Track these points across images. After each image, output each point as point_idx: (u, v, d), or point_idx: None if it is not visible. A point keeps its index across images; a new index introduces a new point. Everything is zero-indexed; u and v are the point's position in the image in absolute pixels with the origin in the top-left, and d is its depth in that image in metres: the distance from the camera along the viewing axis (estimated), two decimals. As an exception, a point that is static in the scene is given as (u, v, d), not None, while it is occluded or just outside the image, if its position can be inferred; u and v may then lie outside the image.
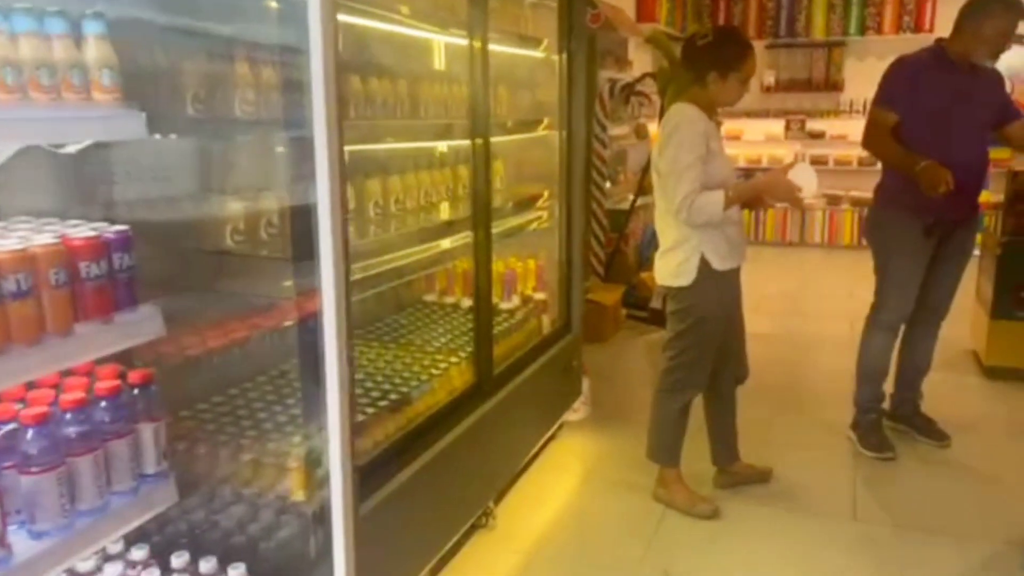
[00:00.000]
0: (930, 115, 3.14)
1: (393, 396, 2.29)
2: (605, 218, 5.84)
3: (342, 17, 1.99)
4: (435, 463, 2.27)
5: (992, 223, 4.61)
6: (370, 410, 2.20)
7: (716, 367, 2.91)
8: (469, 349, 2.75)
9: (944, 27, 3.34)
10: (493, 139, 3.17)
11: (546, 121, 3.36)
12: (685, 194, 2.54)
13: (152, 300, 1.54)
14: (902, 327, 3.36)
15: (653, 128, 5.99)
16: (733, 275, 2.80)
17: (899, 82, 3.23)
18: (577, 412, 3.73)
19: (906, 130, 3.21)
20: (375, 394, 2.31)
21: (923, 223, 3.15)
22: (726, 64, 2.60)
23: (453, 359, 2.63)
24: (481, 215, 2.62)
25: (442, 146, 2.95)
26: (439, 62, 2.79)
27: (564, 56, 3.31)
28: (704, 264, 2.67)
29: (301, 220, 1.62)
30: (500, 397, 2.73)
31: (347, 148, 2.26)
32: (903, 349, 3.47)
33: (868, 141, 3.32)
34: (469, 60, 2.50)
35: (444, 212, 2.82)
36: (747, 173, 6.79)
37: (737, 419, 3.11)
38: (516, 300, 3.33)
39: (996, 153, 3.70)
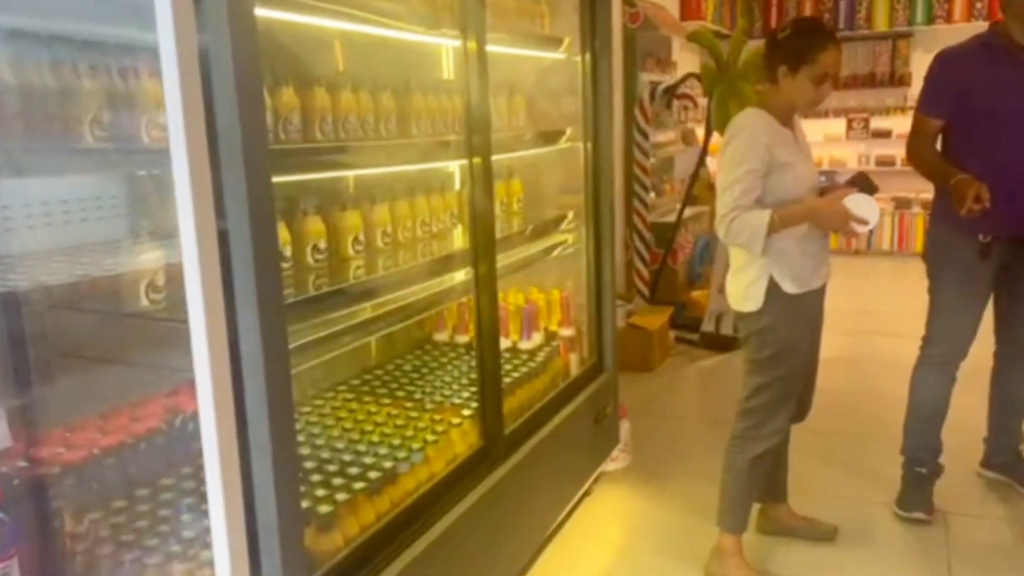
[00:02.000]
0: (979, 116, 2.63)
1: (374, 474, 1.89)
2: (649, 232, 5.38)
3: (279, 14, 1.62)
4: (429, 554, 1.86)
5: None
6: (341, 496, 1.80)
7: None
8: (477, 403, 2.34)
9: None
10: (508, 155, 2.79)
11: (569, 132, 2.93)
12: (726, 211, 2.24)
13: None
14: (956, 370, 2.79)
15: (700, 132, 5.51)
16: (812, 298, 2.41)
17: (939, 80, 2.72)
18: (616, 460, 3.28)
19: (955, 136, 2.72)
20: (353, 471, 1.92)
21: (978, 243, 2.63)
22: (797, 57, 2.22)
23: (454, 419, 2.22)
24: (482, 246, 2.20)
25: (451, 166, 2.56)
26: (436, 69, 2.39)
27: (587, 57, 2.88)
28: (773, 287, 2.31)
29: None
30: (514, 462, 2.31)
31: (310, 176, 1.92)
32: (994, 388, 2.93)
33: (908, 151, 2.80)
34: (463, 65, 2.09)
35: (446, 243, 2.42)
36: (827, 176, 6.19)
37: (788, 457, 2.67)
38: (538, 338, 2.91)
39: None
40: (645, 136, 5.20)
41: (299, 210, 1.93)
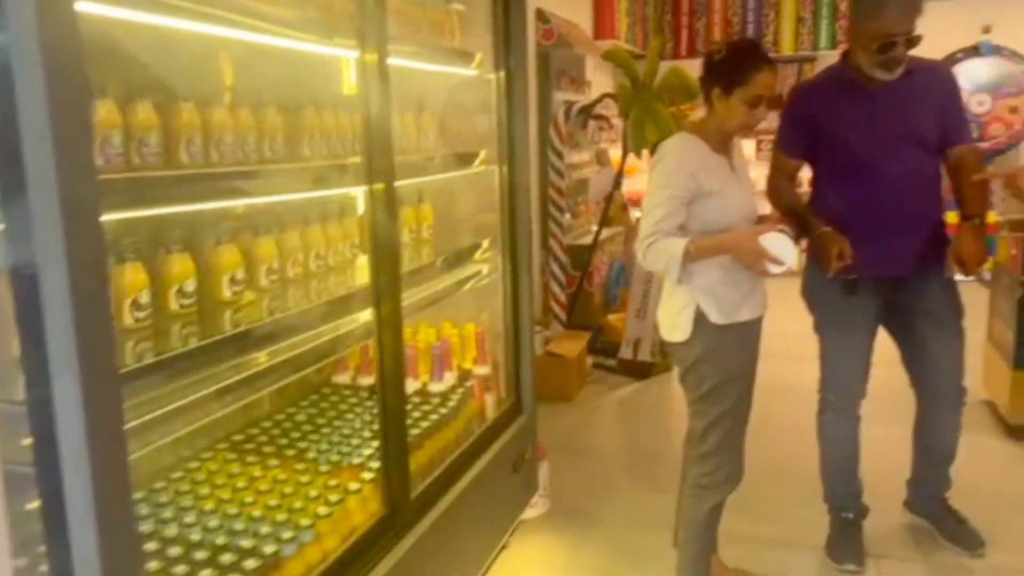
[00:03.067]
0: (834, 152, 2.54)
1: (251, 562, 1.59)
2: (565, 255, 5.20)
3: (124, 13, 1.32)
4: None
5: (1004, 254, 4.04)
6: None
7: None
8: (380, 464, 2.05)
9: (929, 34, 2.73)
10: (418, 179, 2.54)
11: (483, 154, 2.70)
12: (644, 235, 2.16)
13: None
14: (858, 410, 2.68)
15: (615, 154, 5.38)
16: (745, 330, 2.26)
17: (792, 116, 2.62)
18: (534, 507, 3.04)
19: (816, 173, 2.64)
20: (227, 558, 1.60)
21: (842, 281, 2.48)
22: (731, 79, 2.11)
23: (352, 484, 1.93)
24: (386, 284, 1.93)
25: (352, 192, 2.27)
26: (333, 84, 2.10)
27: (502, 75, 2.66)
28: (701, 316, 2.19)
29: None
30: (423, 528, 2.04)
31: (175, 209, 1.61)
32: (916, 436, 2.79)
33: (767, 191, 2.69)
34: (362, 79, 1.82)
35: (346, 279, 2.14)
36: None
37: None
38: (451, 379, 2.65)
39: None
40: (560, 156, 5.02)
41: (162, 247, 1.62)
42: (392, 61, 1.96)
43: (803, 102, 2.61)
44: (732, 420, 2.26)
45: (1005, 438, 3.68)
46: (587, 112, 5.24)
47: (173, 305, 1.63)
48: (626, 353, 4.81)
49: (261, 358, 1.74)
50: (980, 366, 4.06)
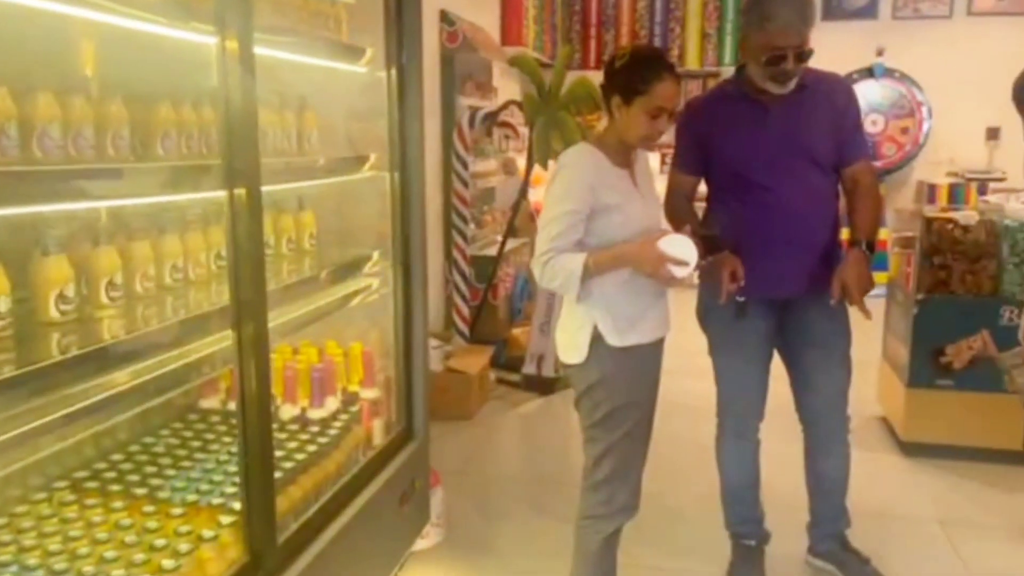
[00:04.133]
0: (723, 170, 2.46)
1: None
2: (469, 266, 5.02)
3: None
4: None
5: (897, 270, 4.10)
6: None
7: None
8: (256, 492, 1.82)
9: (826, 54, 2.69)
10: (297, 184, 2.33)
11: (373, 158, 2.50)
12: (540, 252, 2.03)
13: None
14: (755, 434, 2.60)
15: (522, 163, 5.26)
16: (645, 353, 2.13)
17: (684, 133, 2.54)
18: (426, 537, 2.85)
19: (709, 191, 2.56)
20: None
21: (732, 303, 2.36)
22: (631, 87, 1.99)
23: (207, 531, 1.69)
24: (248, 302, 1.70)
25: (218, 197, 2.03)
26: (194, 75, 1.86)
27: (393, 73, 2.46)
28: (597, 337, 2.06)
29: None
30: (295, 573, 1.81)
31: None
32: (807, 468, 2.68)
33: (665, 211, 2.53)
34: (220, 69, 1.59)
35: (207, 295, 1.90)
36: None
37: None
38: (333, 404, 2.43)
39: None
40: (464, 164, 4.85)
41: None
42: (262, 51, 1.74)
43: (695, 116, 2.52)
44: (627, 448, 2.13)
45: (900, 455, 3.71)
46: (492, 119, 5.09)
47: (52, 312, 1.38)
48: (530, 368, 4.66)
49: (100, 385, 1.51)
50: (875, 382, 4.12)
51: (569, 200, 2.01)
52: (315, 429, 2.28)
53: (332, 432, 2.29)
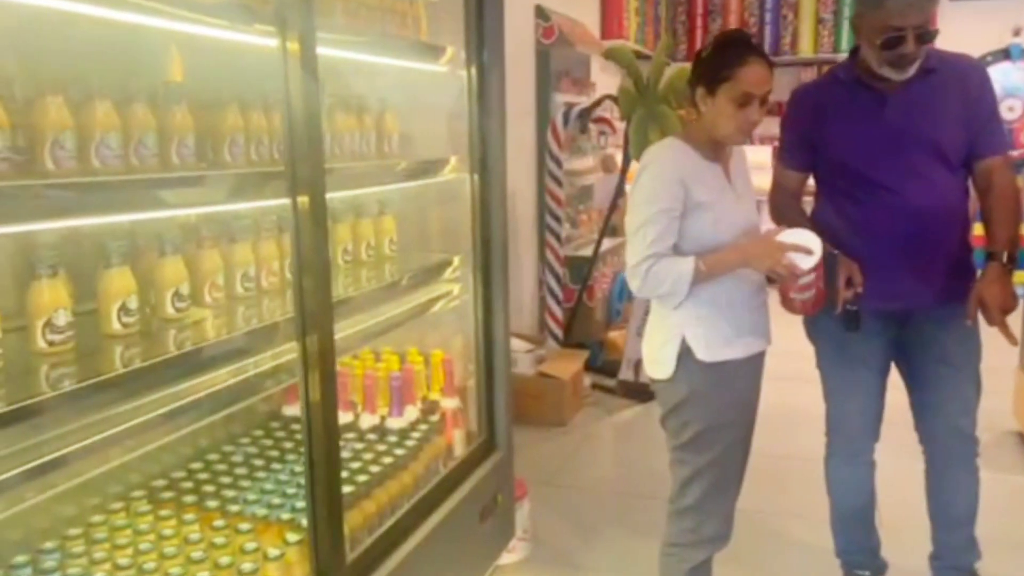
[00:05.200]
0: (836, 166, 2.21)
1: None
2: (563, 267, 4.89)
3: None
4: None
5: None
6: None
7: None
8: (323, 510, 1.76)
9: (955, 35, 2.37)
10: (375, 189, 2.28)
11: (454, 161, 2.41)
12: (639, 259, 1.85)
13: None
14: (870, 455, 2.35)
15: (620, 159, 5.09)
16: (740, 368, 1.96)
17: (791, 125, 2.30)
18: (512, 552, 2.75)
19: (819, 190, 2.31)
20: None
21: (843, 313, 2.13)
22: (715, 75, 1.83)
23: (273, 549, 1.64)
24: (313, 313, 1.64)
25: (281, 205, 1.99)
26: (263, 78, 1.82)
27: (474, 72, 2.37)
28: (686, 351, 1.90)
29: None
30: (362, 596, 1.75)
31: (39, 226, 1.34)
32: (929, 496, 2.40)
33: (770, 210, 2.36)
34: (282, 72, 1.54)
35: (282, 305, 1.85)
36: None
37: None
38: (413, 413, 2.36)
39: None
40: (558, 163, 4.72)
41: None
42: (333, 52, 1.68)
43: (802, 105, 2.30)
44: (718, 473, 1.97)
45: (1039, 476, 3.34)
46: (587, 115, 4.94)
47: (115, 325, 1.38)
48: (626, 374, 4.49)
49: (170, 395, 1.49)
50: (1010, 394, 3.73)
51: (659, 199, 1.85)
52: (393, 439, 2.22)
53: (410, 443, 2.22)
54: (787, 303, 1.95)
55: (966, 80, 2.17)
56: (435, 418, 2.40)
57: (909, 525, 2.51)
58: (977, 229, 2.26)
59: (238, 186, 1.61)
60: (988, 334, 2.27)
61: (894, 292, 2.15)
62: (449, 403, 2.47)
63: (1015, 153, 6.03)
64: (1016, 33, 6.23)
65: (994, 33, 6.23)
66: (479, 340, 2.51)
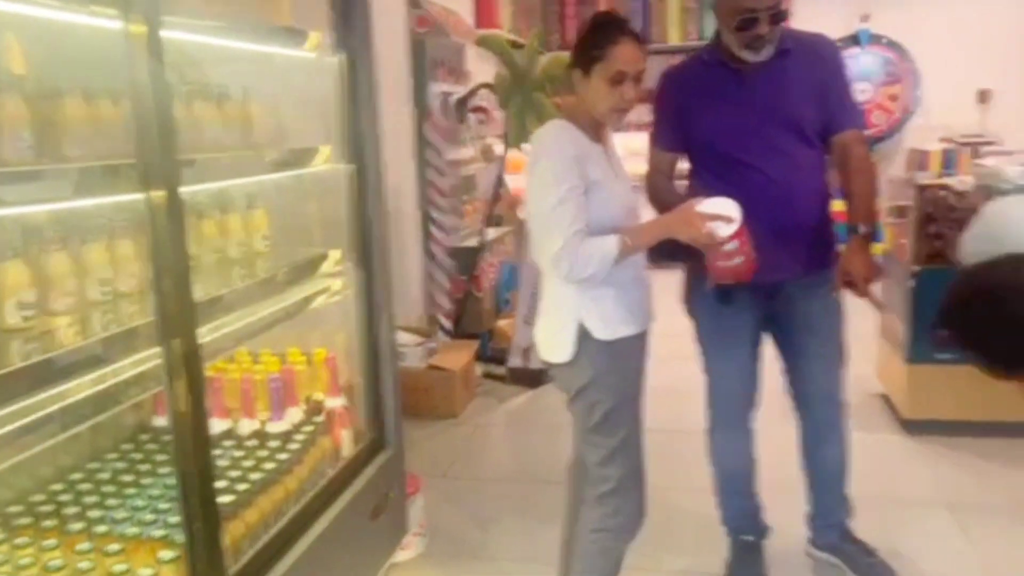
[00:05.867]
0: (704, 147, 2.27)
1: None
2: (450, 259, 4.86)
3: None
4: None
5: (892, 242, 3.95)
6: None
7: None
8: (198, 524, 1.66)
9: (807, 23, 2.48)
10: (246, 180, 2.16)
11: (326, 151, 2.33)
12: (563, 241, 1.83)
13: None
14: (748, 423, 2.46)
15: (501, 149, 5.08)
16: (633, 345, 2.00)
17: (660, 106, 2.36)
18: (407, 548, 2.70)
19: (692, 170, 2.37)
20: None
21: (717, 289, 2.19)
22: (587, 56, 1.87)
23: (143, 571, 1.53)
24: (174, 315, 1.54)
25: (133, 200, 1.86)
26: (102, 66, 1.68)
27: (344, 58, 2.29)
28: (584, 333, 1.91)
29: None
30: (245, 610, 1.66)
31: None
32: (803, 458, 2.52)
33: (646, 190, 2.39)
34: (127, 57, 1.42)
35: (139, 309, 1.73)
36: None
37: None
38: (296, 415, 2.27)
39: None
40: (439, 153, 4.68)
41: None
42: (181, 36, 1.57)
43: (670, 87, 2.35)
44: (633, 449, 2.01)
45: (902, 434, 3.56)
46: (464, 104, 4.91)
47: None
48: (516, 361, 4.51)
49: (22, 410, 1.36)
50: (874, 359, 3.97)
51: (565, 178, 1.85)
52: (275, 444, 2.13)
53: (294, 446, 2.13)
54: (717, 273, 1.95)
55: (820, 58, 2.27)
56: (320, 419, 2.31)
57: (787, 488, 2.62)
58: (837, 205, 2.37)
59: (84, 181, 1.48)
60: (851, 304, 2.40)
61: (762, 266, 2.23)
62: (334, 402, 2.38)
63: (868, 132, 6.41)
64: (864, 19, 6.62)
65: (844, 20, 6.60)
66: (363, 336, 2.44)
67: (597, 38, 1.85)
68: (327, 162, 2.34)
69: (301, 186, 2.40)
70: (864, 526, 2.59)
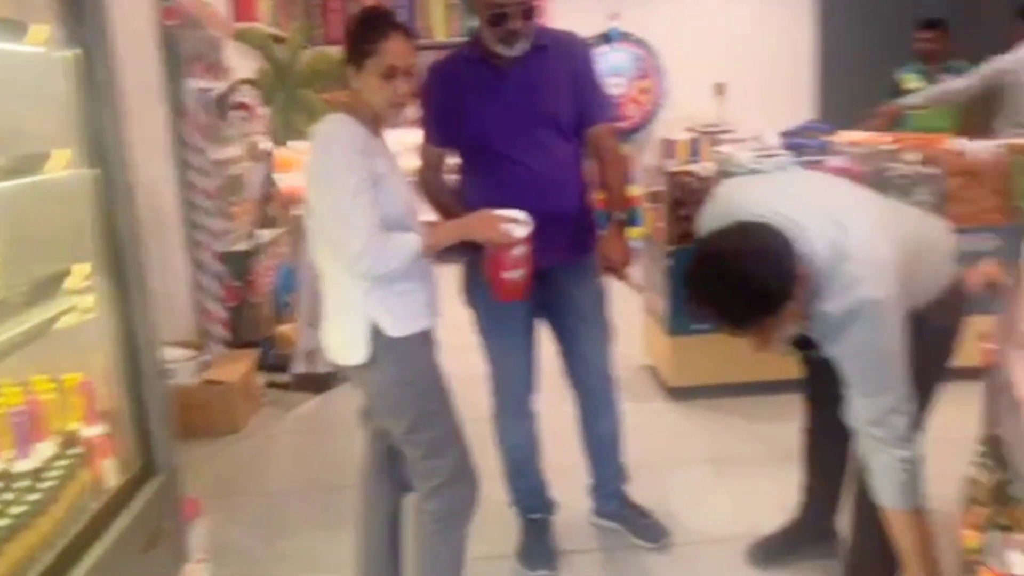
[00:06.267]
0: (470, 137, 2.34)
1: None
2: (220, 264, 4.59)
3: None
4: None
5: (651, 225, 4.28)
6: None
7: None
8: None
9: (560, 24, 2.65)
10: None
11: (63, 156, 2.10)
12: (365, 237, 1.82)
13: None
14: (530, 406, 2.56)
15: (268, 145, 4.88)
16: (426, 338, 2.03)
17: (427, 101, 2.41)
18: (191, 576, 2.52)
19: (461, 163, 2.43)
20: None
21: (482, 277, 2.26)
22: (359, 51, 1.90)
23: None
24: None
25: None
26: None
27: (77, 53, 2.08)
28: (377, 332, 1.90)
29: None
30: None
31: None
32: (582, 433, 2.68)
33: (420, 186, 2.42)
34: None
35: None
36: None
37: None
38: (48, 450, 2.04)
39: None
40: (200, 152, 4.39)
41: None
42: None
43: (435, 84, 2.39)
44: (453, 436, 2.05)
45: (669, 401, 3.88)
46: (224, 101, 4.65)
47: None
48: (300, 367, 4.36)
49: None
50: (640, 335, 4.28)
51: (353, 170, 1.84)
52: (24, 484, 1.89)
53: (47, 485, 1.91)
54: (498, 285, 2.06)
55: (573, 55, 2.40)
56: (77, 451, 2.09)
57: (569, 463, 2.77)
58: (598, 195, 2.54)
59: None
60: (617, 285, 2.58)
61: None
62: (93, 431, 2.17)
63: (624, 124, 6.90)
64: (613, 18, 7.08)
65: (595, 19, 7.01)
66: (123, 355, 2.24)
67: (367, 33, 1.88)
68: (67, 167, 2.12)
69: (37, 195, 2.15)
70: (640, 490, 2.81)
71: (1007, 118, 4.38)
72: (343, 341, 1.97)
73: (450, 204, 2.34)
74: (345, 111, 1.96)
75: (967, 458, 2.24)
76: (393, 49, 1.87)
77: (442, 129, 2.37)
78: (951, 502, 2.28)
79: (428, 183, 2.40)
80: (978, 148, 3.70)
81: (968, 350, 2.04)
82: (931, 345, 1.88)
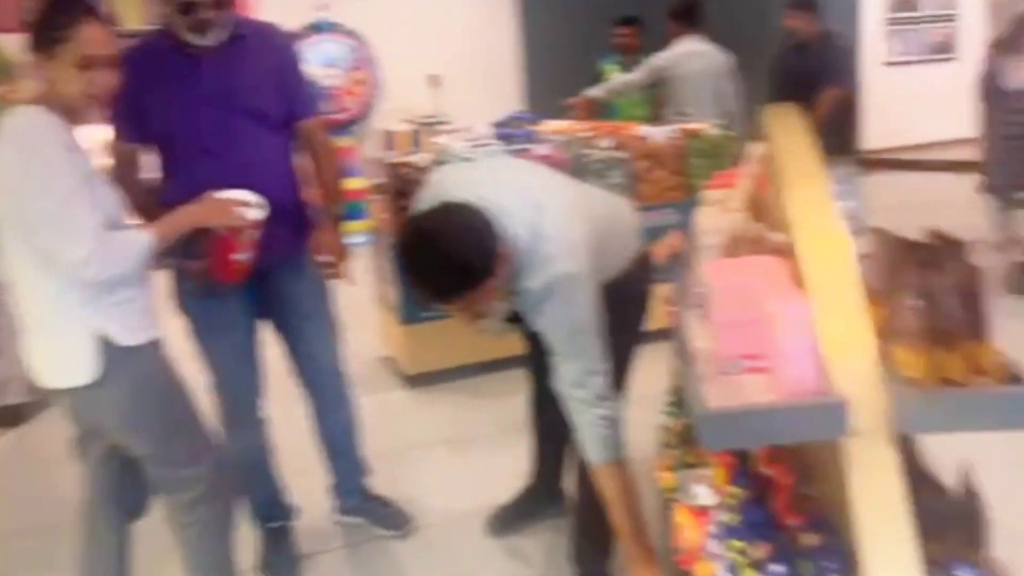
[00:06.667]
0: (166, 131, 2.20)
1: None
2: None
3: None
4: None
5: (377, 218, 4.30)
6: None
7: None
8: None
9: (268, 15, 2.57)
10: None
11: None
12: (91, 241, 1.69)
13: None
14: (257, 413, 2.47)
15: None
16: (159, 345, 1.93)
17: (118, 95, 2.34)
18: None
19: (159, 159, 2.30)
20: None
21: (197, 281, 2.17)
22: (48, 38, 1.73)
23: None
24: None
25: None
26: None
27: None
28: (106, 344, 1.78)
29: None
30: None
31: None
32: (316, 431, 2.63)
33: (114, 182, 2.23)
34: None
35: None
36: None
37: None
38: None
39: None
40: None
41: None
42: None
43: (124, 75, 2.20)
44: (205, 442, 2.01)
45: (406, 389, 3.94)
46: None
47: None
48: (13, 397, 3.83)
49: None
50: (374, 325, 4.30)
51: (64, 171, 1.69)
52: None
53: None
54: (225, 266, 2.03)
55: (276, 48, 2.35)
56: None
57: (306, 466, 2.73)
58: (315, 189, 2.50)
59: None
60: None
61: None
62: None
63: (343, 116, 6.83)
64: (321, 8, 6.93)
65: (301, 9, 6.81)
66: None
67: (58, 18, 1.72)
68: None
69: None
70: (381, 480, 2.84)
71: (671, 107, 5.01)
72: (58, 362, 1.80)
73: (149, 204, 2.18)
74: (41, 103, 1.78)
75: (662, 409, 2.55)
76: (89, 36, 1.72)
77: (133, 123, 2.19)
78: (650, 448, 2.58)
79: (122, 182, 2.20)
80: (655, 133, 4.17)
81: (659, 314, 2.32)
82: (625, 312, 2.10)
